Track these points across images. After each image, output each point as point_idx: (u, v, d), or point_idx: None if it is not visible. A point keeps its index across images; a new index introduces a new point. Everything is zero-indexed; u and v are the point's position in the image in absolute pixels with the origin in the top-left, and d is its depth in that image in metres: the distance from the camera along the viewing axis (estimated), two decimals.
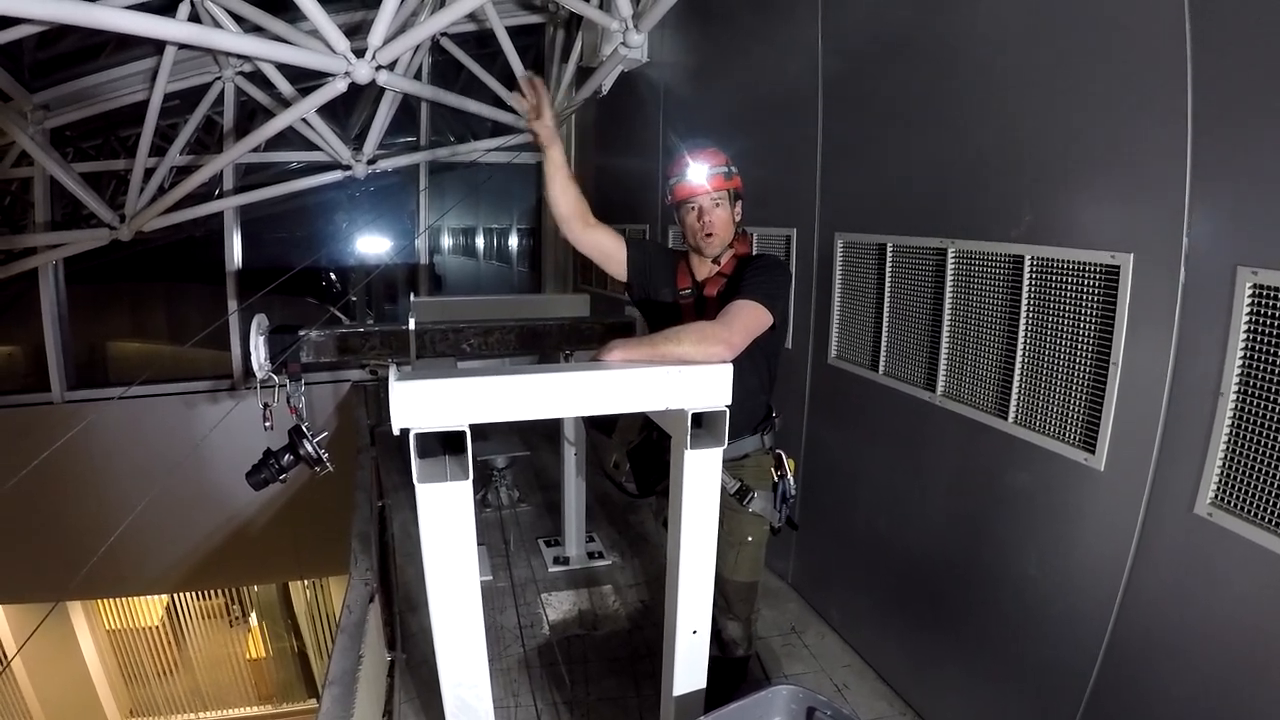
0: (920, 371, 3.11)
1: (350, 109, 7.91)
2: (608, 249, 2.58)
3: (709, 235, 2.48)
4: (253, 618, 14.10)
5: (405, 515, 5.02)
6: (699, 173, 2.44)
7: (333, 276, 9.64)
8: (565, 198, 2.46)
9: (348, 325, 7.55)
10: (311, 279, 9.20)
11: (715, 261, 2.57)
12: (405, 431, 1.73)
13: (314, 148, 7.18)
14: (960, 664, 2.95)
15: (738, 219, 2.55)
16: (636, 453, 2.87)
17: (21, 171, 6.83)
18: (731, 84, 4.73)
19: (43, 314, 7.18)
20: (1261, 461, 1.83)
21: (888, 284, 3.25)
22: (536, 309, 4.67)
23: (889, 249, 3.23)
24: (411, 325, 3.42)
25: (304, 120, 6.36)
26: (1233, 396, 1.89)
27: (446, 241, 11.01)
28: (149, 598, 12.82)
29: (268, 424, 3.14)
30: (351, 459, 5.85)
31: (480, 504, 5.18)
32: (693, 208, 2.48)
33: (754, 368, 2.44)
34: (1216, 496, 1.95)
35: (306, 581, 12.56)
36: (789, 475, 2.57)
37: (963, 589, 2.91)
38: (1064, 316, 2.39)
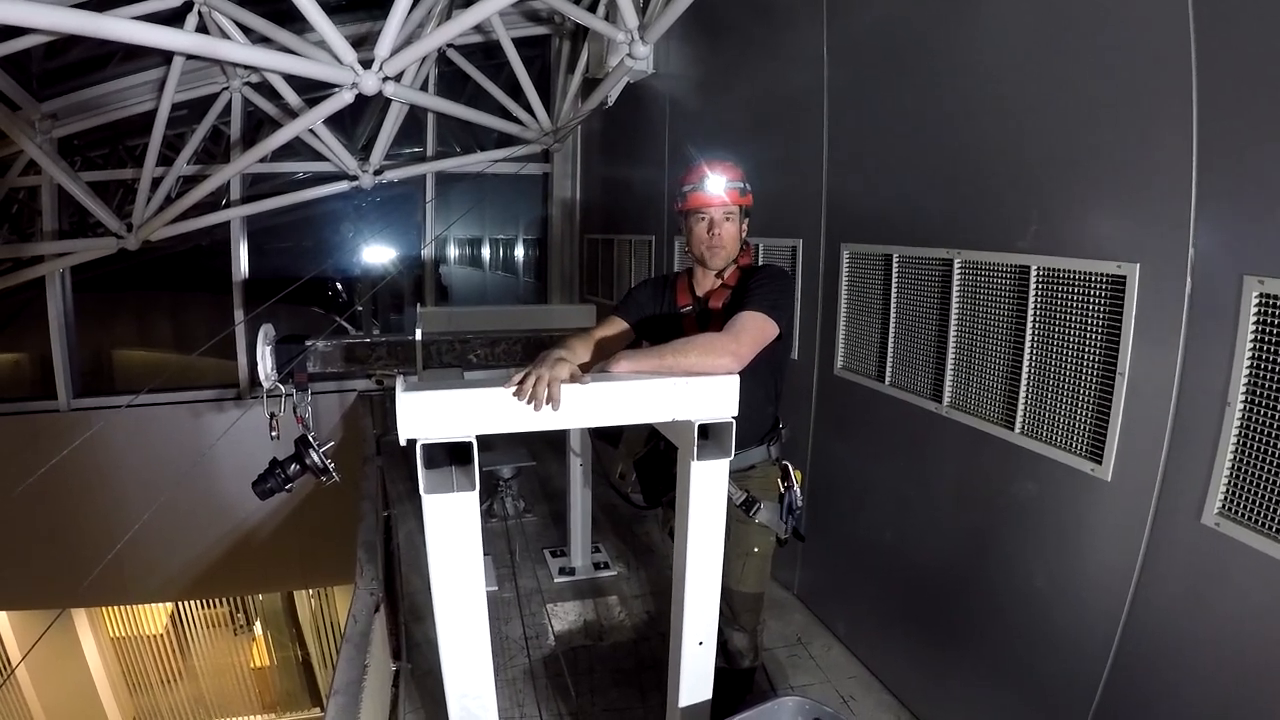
0: (926, 382, 3.10)
1: (357, 120, 7.93)
2: (619, 343, 2.55)
3: (717, 248, 2.49)
4: (257, 626, 14.11)
5: (411, 525, 5.03)
6: (718, 184, 2.43)
7: (339, 286, 9.64)
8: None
9: (354, 335, 7.59)
10: (318, 289, 9.21)
11: (719, 275, 2.57)
12: (412, 442, 1.73)
13: (321, 158, 7.21)
14: (967, 675, 2.94)
15: (744, 234, 2.56)
16: (643, 463, 2.87)
17: (29, 180, 6.86)
18: (737, 95, 4.74)
19: (49, 322, 7.20)
20: (1269, 471, 1.83)
21: (893, 294, 3.25)
22: (542, 319, 4.68)
23: (895, 259, 3.23)
24: (418, 336, 3.44)
25: (311, 131, 6.39)
26: (1240, 406, 1.89)
27: (453, 252, 11.02)
28: (153, 606, 12.83)
29: (274, 434, 3.14)
30: (357, 469, 5.84)
31: (486, 514, 5.18)
32: (703, 218, 2.48)
33: (760, 379, 2.44)
34: (1224, 506, 1.95)
35: (311, 591, 12.55)
36: (795, 486, 2.56)
37: (969, 600, 2.90)
38: (1070, 326, 2.38)
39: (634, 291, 2.75)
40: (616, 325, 2.59)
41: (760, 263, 2.99)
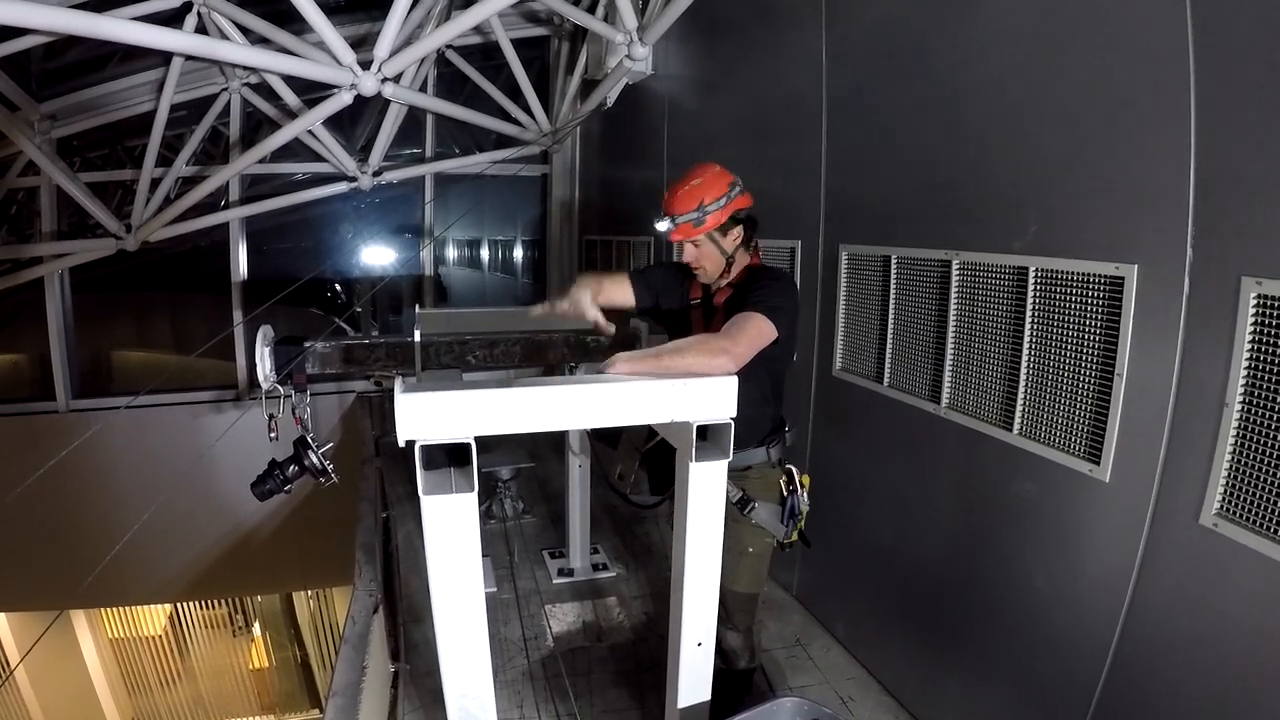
0: (925, 383, 3.10)
1: (356, 121, 7.93)
2: (619, 301, 2.64)
3: (699, 270, 2.57)
4: (256, 628, 14.11)
5: (409, 526, 5.02)
6: (664, 225, 2.47)
7: (338, 288, 9.64)
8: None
9: (353, 336, 7.58)
10: (317, 290, 9.20)
11: (720, 277, 2.58)
12: (410, 443, 1.73)
13: (320, 159, 7.21)
14: (965, 676, 2.94)
15: (737, 241, 2.53)
16: (650, 455, 2.88)
17: (28, 181, 6.85)
18: (735, 96, 4.75)
19: (48, 323, 7.20)
20: (1266, 472, 1.83)
21: (892, 296, 3.25)
22: (541, 321, 4.68)
23: (893, 261, 3.23)
24: (417, 337, 3.43)
25: (310, 132, 6.39)
26: (1237, 407, 1.89)
27: (451, 253, 11.01)
28: (152, 607, 12.83)
29: (273, 435, 3.14)
30: (356, 470, 5.84)
31: (485, 515, 5.18)
32: (680, 245, 2.54)
33: (757, 380, 2.44)
34: (1221, 507, 1.95)
35: (310, 592, 12.54)
36: (800, 492, 2.55)
37: (968, 600, 2.90)
38: (1068, 327, 2.39)
39: (653, 270, 2.82)
40: (624, 290, 2.66)
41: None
